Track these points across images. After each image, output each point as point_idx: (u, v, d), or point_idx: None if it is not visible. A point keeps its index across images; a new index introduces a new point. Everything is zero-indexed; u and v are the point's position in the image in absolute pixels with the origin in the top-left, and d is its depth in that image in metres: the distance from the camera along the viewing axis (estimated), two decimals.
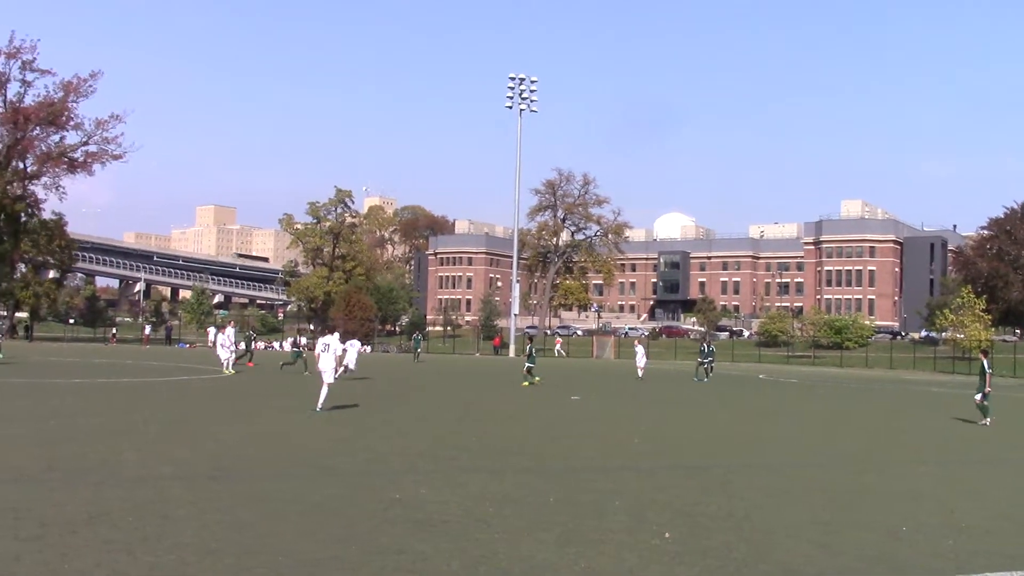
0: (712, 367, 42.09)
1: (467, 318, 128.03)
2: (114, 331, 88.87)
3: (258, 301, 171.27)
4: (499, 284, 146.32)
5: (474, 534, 8.32)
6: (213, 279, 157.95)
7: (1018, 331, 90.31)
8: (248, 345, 45.83)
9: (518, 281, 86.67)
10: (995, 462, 15.83)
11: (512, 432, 17.65)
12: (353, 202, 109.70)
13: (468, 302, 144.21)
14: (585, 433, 18.00)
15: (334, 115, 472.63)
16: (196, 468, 11.83)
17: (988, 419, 21.41)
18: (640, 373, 38.56)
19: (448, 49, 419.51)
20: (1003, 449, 17.86)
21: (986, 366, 22.12)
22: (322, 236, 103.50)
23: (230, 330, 35.84)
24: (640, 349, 40.29)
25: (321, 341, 20.45)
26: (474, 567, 7.19)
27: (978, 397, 21.83)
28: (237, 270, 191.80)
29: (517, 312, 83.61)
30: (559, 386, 32.61)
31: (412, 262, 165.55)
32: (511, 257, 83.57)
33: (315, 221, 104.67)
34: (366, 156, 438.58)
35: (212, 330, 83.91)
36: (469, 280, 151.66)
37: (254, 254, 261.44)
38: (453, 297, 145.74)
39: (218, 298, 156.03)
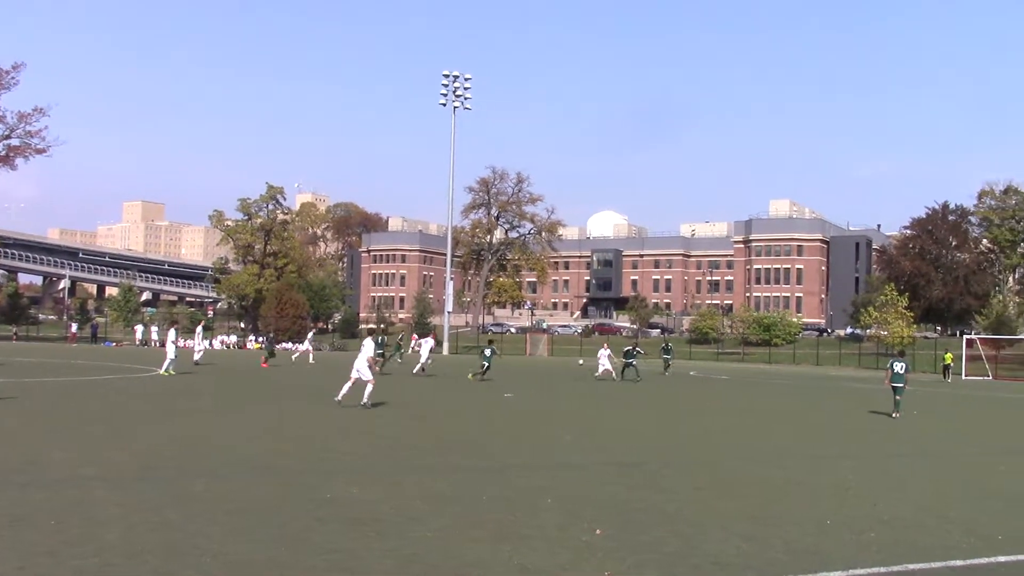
0: (670, 364, 46.51)
1: (400, 315, 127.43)
2: (74, 328, 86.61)
3: (187, 298, 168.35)
4: (433, 282, 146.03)
5: (407, 532, 8.28)
6: (141, 276, 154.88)
7: (939, 328, 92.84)
8: (271, 345, 46.76)
9: (452, 279, 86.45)
10: (916, 455, 16.25)
11: (446, 430, 17.62)
12: (285, 199, 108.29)
13: (402, 300, 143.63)
14: (518, 430, 18.05)
15: (266, 111, 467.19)
16: (124, 469, 11.60)
17: (898, 412, 22.75)
18: (602, 373, 36.99)
19: (382, 45, 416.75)
20: (924, 442, 18.35)
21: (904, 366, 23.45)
22: (253, 233, 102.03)
23: (172, 331, 35.10)
24: (604, 352, 38.10)
25: (363, 343, 21.64)
26: (407, 565, 7.17)
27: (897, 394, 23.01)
28: (165, 267, 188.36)
29: (451, 310, 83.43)
30: (492, 384, 32.64)
31: (345, 259, 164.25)
32: (445, 255, 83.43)
33: (246, 218, 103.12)
34: (299, 153, 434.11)
35: (140, 328, 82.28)
36: (403, 278, 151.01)
37: (183, 251, 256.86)
38: (386, 295, 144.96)
39: (146, 295, 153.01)
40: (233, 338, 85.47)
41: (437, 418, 19.98)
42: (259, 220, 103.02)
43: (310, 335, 54.32)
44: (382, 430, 17.01)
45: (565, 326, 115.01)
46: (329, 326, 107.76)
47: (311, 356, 49.21)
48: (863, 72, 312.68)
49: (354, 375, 20.82)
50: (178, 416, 18.67)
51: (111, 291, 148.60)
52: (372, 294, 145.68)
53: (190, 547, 7.50)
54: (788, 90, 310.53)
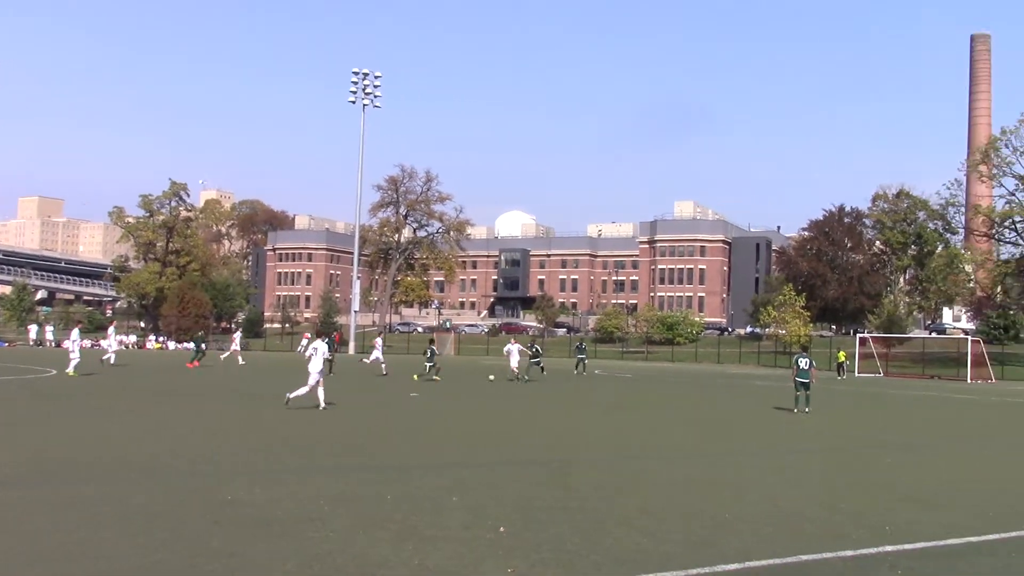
0: (585, 364, 47.14)
1: (306, 315, 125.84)
2: None
3: (85, 297, 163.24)
4: (340, 281, 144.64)
5: (308, 534, 8.20)
6: (35, 274, 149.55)
7: (834, 327, 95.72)
8: (199, 345, 45.20)
9: (359, 277, 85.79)
10: (810, 450, 16.73)
11: (349, 430, 17.48)
12: (188, 195, 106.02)
13: (308, 299, 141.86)
14: (423, 430, 18.01)
15: (170, 105, 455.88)
16: (14, 472, 11.21)
17: (799, 408, 23.51)
18: (517, 371, 36.04)
19: (290, 41, 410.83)
20: (817, 438, 18.89)
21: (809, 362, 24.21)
22: (155, 230, 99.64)
23: (76, 332, 34.10)
24: (514, 348, 37.23)
25: (311, 345, 21.22)
26: (308, 567, 7.09)
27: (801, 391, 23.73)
28: (62, 265, 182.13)
29: (358, 309, 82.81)
30: (398, 383, 32.48)
31: (250, 258, 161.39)
32: (352, 253, 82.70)
33: (147, 215, 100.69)
34: (203, 148, 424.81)
35: (34, 327, 79.51)
36: (309, 276, 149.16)
37: (81, 249, 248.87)
38: (292, 294, 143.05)
39: (41, 294, 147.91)
40: (132, 338, 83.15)
41: (340, 418, 19.78)
42: (161, 217, 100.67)
43: (237, 335, 53.37)
44: (284, 430, 16.78)
45: (472, 325, 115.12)
46: (233, 325, 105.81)
47: (240, 357, 48.65)
48: (764, 78, 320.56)
49: (313, 380, 20.45)
50: (74, 417, 18.14)
51: (3, 289, 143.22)
52: (277, 293, 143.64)
53: (81, 553, 7.29)
54: (692, 93, 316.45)
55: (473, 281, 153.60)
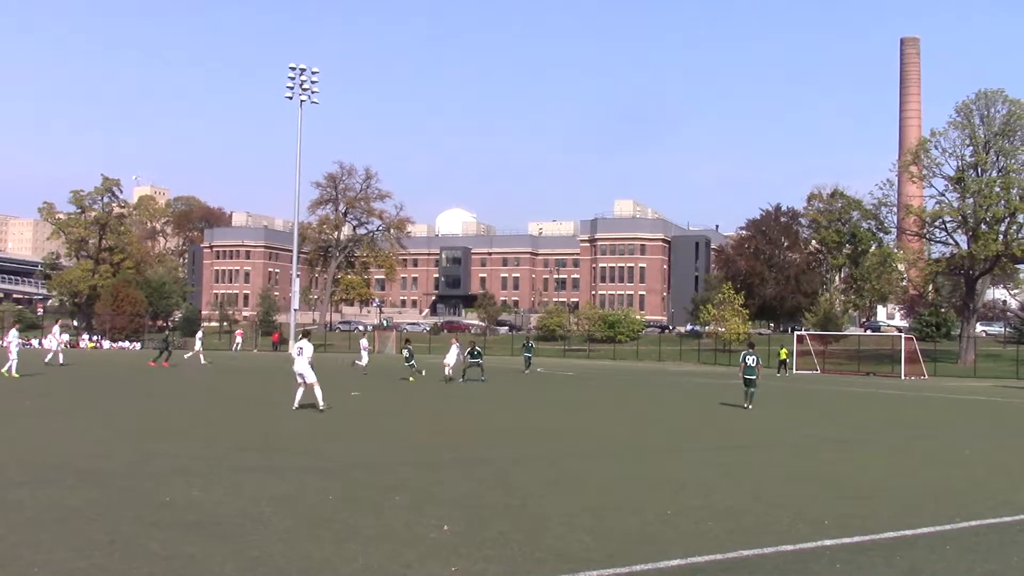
0: (530, 362, 46.40)
1: (245, 313, 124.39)
2: None
3: (14, 296, 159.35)
4: (278, 279, 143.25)
5: (249, 535, 8.10)
6: None
7: (771, 325, 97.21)
8: (166, 344, 44.46)
9: (298, 276, 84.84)
10: (751, 446, 16.94)
11: (290, 430, 17.26)
12: (122, 191, 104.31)
13: (246, 297, 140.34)
14: (365, 429, 17.90)
15: (104, 98, 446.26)
16: None
17: (749, 404, 24.16)
18: (448, 372, 34.70)
19: (226, 34, 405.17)
20: (761, 434, 19.14)
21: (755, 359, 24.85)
22: (87, 227, 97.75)
23: (13, 332, 33.39)
24: (453, 347, 35.89)
25: (295, 345, 20.89)
26: (250, 569, 7.00)
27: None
28: None
29: (297, 307, 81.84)
30: (338, 382, 32.24)
31: (186, 255, 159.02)
32: (291, 251, 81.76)
33: (79, 211, 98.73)
34: (137, 143, 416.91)
35: None
36: (247, 274, 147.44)
37: (9, 245, 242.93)
38: (230, 292, 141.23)
39: None
40: (65, 336, 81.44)
41: (280, 418, 19.57)
42: (93, 213, 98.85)
43: (199, 335, 52.49)
44: (222, 430, 16.57)
45: (414, 324, 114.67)
46: (169, 324, 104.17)
47: (202, 356, 48.03)
48: (702, 79, 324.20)
49: (300, 380, 20.20)
50: (7, 419, 17.68)
51: None
52: (215, 291, 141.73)
53: (14, 558, 7.11)
54: (632, 93, 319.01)
55: (414, 279, 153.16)
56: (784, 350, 56.94)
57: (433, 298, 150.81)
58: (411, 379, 34.26)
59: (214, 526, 8.41)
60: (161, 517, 8.73)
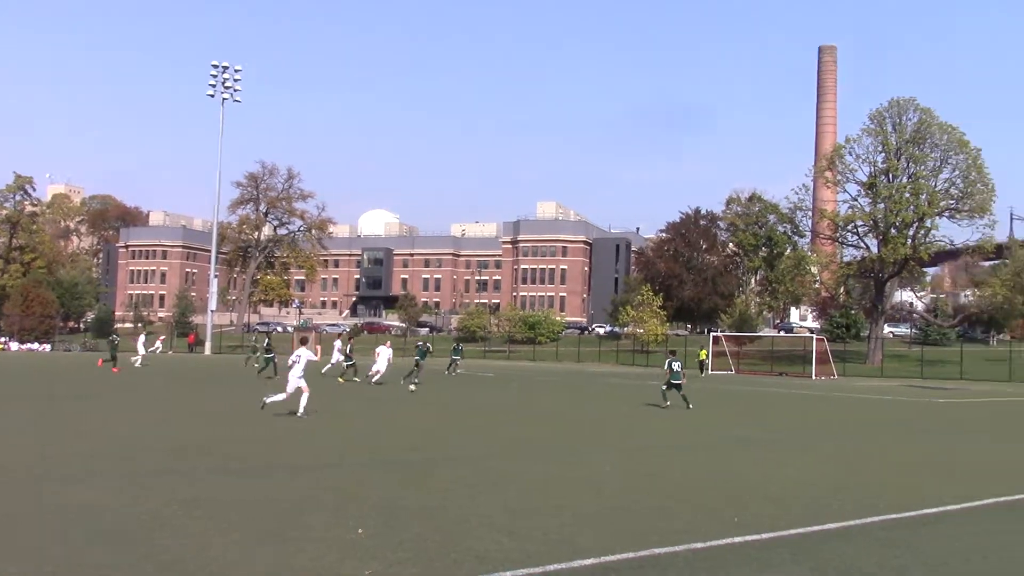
0: (457, 364, 45.94)
1: (160, 314, 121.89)
2: None
3: None
4: (196, 279, 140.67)
5: (160, 540, 7.94)
6: None
7: (689, 326, 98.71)
8: (113, 350, 42.76)
9: (216, 276, 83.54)
10: (667, 446, 17.20)
11: (206, 432, 16.99)
12: (35, 189, 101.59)
13: (162, 297, 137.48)
14: (284, 431, 17.68)
15: (15, 94, 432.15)
16: None
17: (668, 403, 25.04)
18: (376, 377, 33.74)
19: (145, 29, 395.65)
20: (674, 434, 19.42)
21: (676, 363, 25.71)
22: None
23: None
24: (385, 351, 34.46)
25: (295, 353, 20.90)
26: (163, 574, 6.88)
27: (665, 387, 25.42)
28: None
29: (215, 308, 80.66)
30: (256, 384, 31.79)
31: (100, 255, 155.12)
32: (210, 251, 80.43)
33: None
34: (50, 141, 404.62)
35: None
36: (163, 274, 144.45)
37: None
38: (146, 292, 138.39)
39: None
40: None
41: (196, 420, 19.24)
42: (4, 212, 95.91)
43: (142, 338, 51.02)
44: (126, 433, 16.22)
45: (334, 325, 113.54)
46: (81, 325, 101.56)
47: (139, 360, 46.46)
48: (623, 82, 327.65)
49: (292, 387, 19.99)
50: None
51: None
52: (130, 292, 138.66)
53: None
54: (553, 93, 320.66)
55: (335, 280, 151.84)
56: (704, 351, 57.90)
57: (354, 299, 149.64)
58: (341, 379, 34.18)
59: (122, 531, 8.24)
60: (67, 523, 8.52)
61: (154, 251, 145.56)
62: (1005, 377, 54.21)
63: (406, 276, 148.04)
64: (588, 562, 7.52)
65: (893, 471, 14.02)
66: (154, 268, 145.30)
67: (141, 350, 47.41)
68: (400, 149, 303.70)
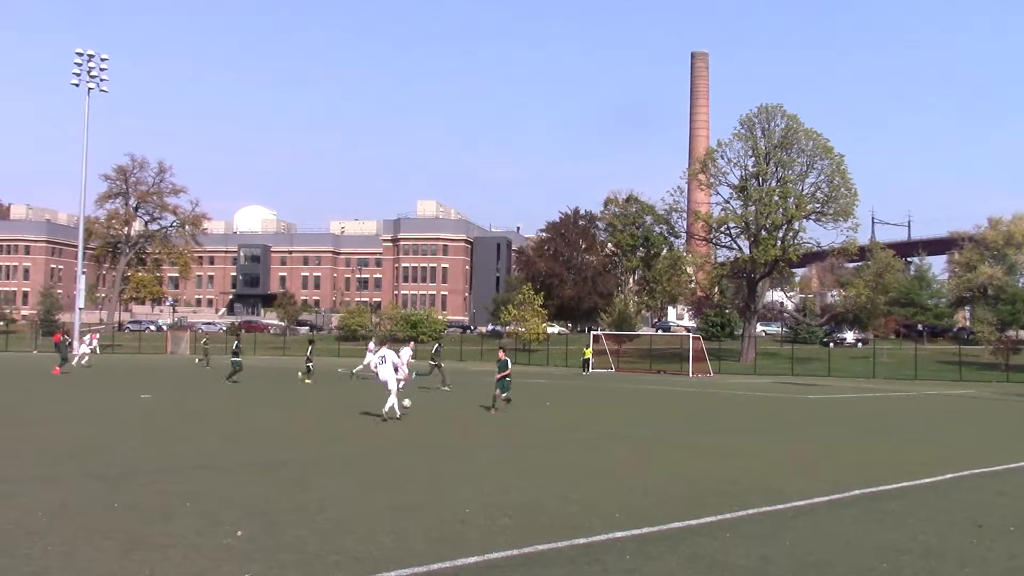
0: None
1: (24, 312, 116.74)
2: None
3: None
4: (62, 276, 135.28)
5: (23, 549, 7.60)
6: None
7: (569, 325, 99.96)
8: (64, 351, 40.45)
9: (84, 273, 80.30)
10: (549, 444, 17.36)
11: (72, 435, 16.33)
12: None
13: (25, 294, 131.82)
14: (156, 433, 17.16)
15: None
16: None
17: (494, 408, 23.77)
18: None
19: (4, 10, 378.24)
20: (557, 432, 19.64)
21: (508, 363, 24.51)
22: None
23: None
24: (406, 352, 32.37)
25: (378, 354, 21.36)
26: None
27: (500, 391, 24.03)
28: None
29: (82, 306, 77.50)
30: (128, 384, 30.79)
31: None
32: (76, 247, 77.30)
33: None
34: None
35: None
36: (26, 270, 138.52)
37: None
38: (7, 289, 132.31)
39: None
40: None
41: (60, 423, 18.49)
42: None
43: (88, 339, 48.63)
44: None
45: (209, 323, 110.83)
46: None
47: (84, 359, 44.77)
48: (502, 81, 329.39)
49: (392, 386, 20.21)
50: None
51: None
52: None
53: None
54: (432, 91, 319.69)
55: (210, 277, 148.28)
56: (588, 350, 58.67)
57: (231, 297, 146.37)
58: (307, 381, 34.65)
59: None
60: None
61: (16, 246, 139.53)
62: (869, 374, 56.63)
63: (284, 274, 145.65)
64: (472, 560, 7.53)
65: (765, 465, 14.47)
66: (16, 264, 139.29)
67: (84, 348, 46.18)
68: (278, 145, 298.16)
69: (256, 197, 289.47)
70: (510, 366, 24.54)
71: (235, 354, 35.33)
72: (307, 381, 34.74)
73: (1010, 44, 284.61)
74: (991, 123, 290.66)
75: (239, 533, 8.31)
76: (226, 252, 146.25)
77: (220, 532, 8.38)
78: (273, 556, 7.57)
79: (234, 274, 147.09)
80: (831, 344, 78.90)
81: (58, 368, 38.35)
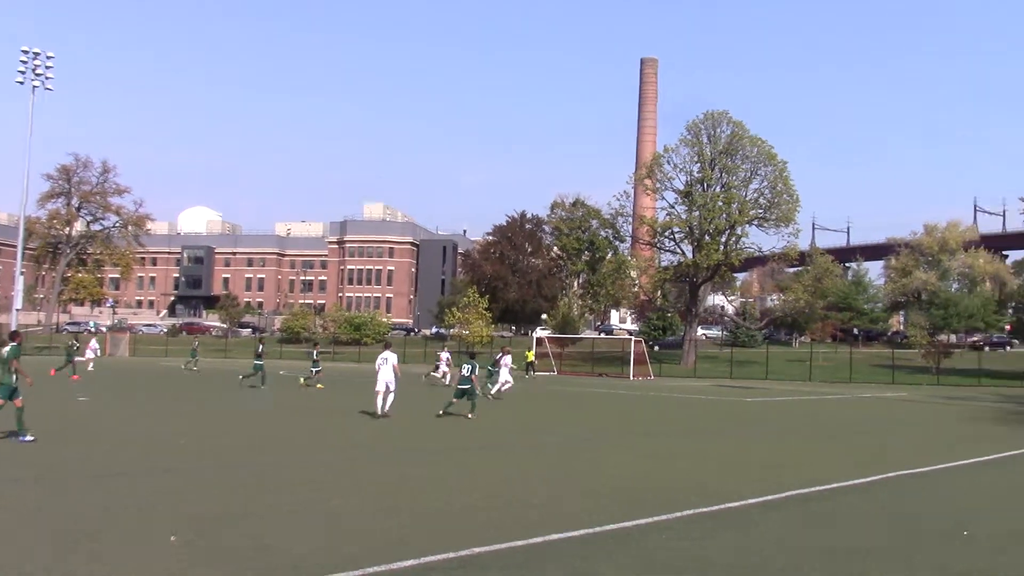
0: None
1: None
2: None
3: None
4: (0, 276, 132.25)
5: None
6: None
7: (514, 327, 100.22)
8: (70, 356, 39.66)
9: (22, 273, 78.58)
10: (490, 448, 17.44)
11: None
12: None
13: None
14: (87, 437, 16.92)
15: None
16: None
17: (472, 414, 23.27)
18: (506, 387, 32.93)
19: None
20: (498, 435, 19.71)
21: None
22: None
23: None
24: (505, 359, 33.69)
25: (379, 356, 22.59)
26: None
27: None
28: None
29: (20, 307, 75.86)
30: (66, 386, 30.28)
31: None
32: (15, 247, 75.62)
33: None
34: None
35: None
36: None
37: None
38: None
39: None
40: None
41: None
42: None
43: (94, 343, 48.17)
44: None
45: (151, 325, 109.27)
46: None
47: (90, 365, 44.15)
48: (451, 82, 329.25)
49: (384, 388, 21.82)
50: None
51: None
52: None
53: None
54: (385, 95, 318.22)
55: (152, 279, 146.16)
56: (531, 352, 58.93)
57: (172, 298, 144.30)
58: (320, 386, 34.79)
59: None
60: None
61: None
62: (805, 377, 57.59)
63: (228, 275, 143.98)
64: (408, 563, 7.57)
65: (702, 467, 14.71)
66: None
67: (89, 353, 45.79)
68: (225, 146, 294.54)
69: (201, 198, 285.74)
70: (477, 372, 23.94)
71: (258, 357, 35.66)
72: (319, 386, 34.75)
73: (951, 54, 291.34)
74: (930, 131, 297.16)
75: (172, 539, 8.29)
76: (169, 253, 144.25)
77: (155, 536, 8.32)
78: (208, 560, 7.56)
79: (177, 275, 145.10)
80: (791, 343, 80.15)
81: (55, 370, 37.95)
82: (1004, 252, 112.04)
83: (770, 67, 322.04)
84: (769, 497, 11.51)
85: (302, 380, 35.83)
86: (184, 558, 7.62)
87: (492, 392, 31.59)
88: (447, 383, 38.61)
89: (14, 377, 15.49)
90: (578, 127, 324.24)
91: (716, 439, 20.39)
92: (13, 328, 72.29)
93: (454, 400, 23.16)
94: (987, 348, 75.35)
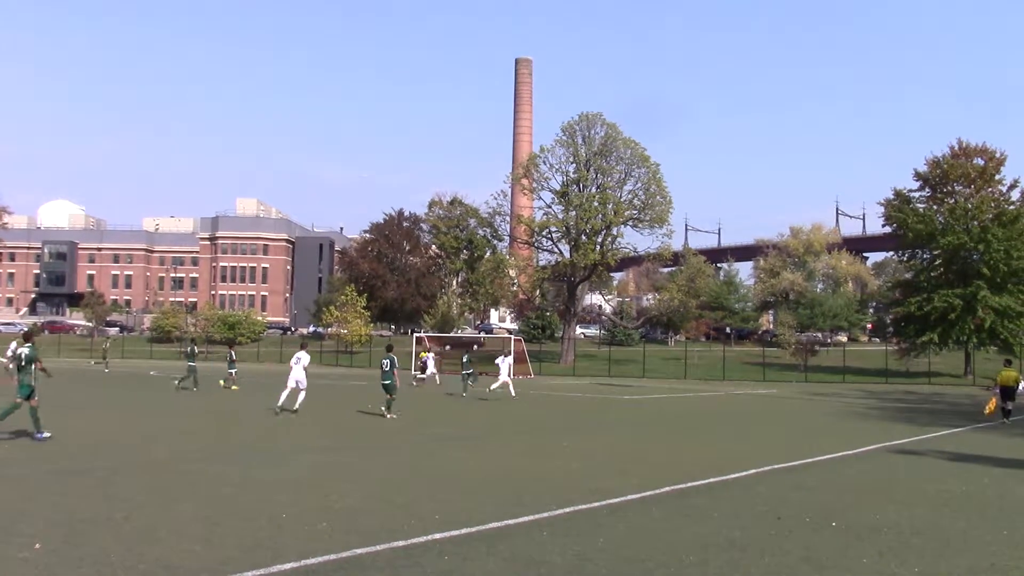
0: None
1: None
2: None
3: None
4: None
5: None
6: None
7: (393, 326, 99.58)
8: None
9: None
10: (372, 447, 17.23)
11: None
12: None
13: None
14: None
15: None
16: None
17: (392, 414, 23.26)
18: (507, 389, 34.01)
19: None
20: (380, 435, 19.49)
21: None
22: None
23: None
24: (506, 361, 35.59)
25: (295, 355, 24.17)
26: None
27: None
28: None
29: None
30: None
31: None
32: None
33: None
34: None
35: None
36: None
37: None
38: None
39: None
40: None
41: None
42: None
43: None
44: None
45: (8, 324, 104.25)
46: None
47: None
48: (328, 81, 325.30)
49: (293, 384, 23.40)
50: None
51: None
52: None
53: None
54: (260, 90, 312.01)
55: (11, 275, 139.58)
56: (424, 352, 58.59)
57: (33, 296, 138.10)
58: (234, 387, 34.01)
59: None
60: None
61: None
62: (681, 375, 58.98)
63: (93, 272, 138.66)
64: (288, 566, 7.40)
65: (580, 464, 14.83)
66: None
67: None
68: (88, 138, 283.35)
69: (63, 191, 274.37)
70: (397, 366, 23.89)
71: (191, 358, 34.67)
72: (233, 387, 33.97)
73: (820, 63, 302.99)
74: (796, 133, 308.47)
75: (37, 546, 7.86)
76: (28, 248, 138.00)
77: (17, 544, 7.91)
78: (75, 568, 7.20)
79: (37, 272, 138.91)
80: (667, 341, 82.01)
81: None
82: (865, 254, 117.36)
83: (643, 68, 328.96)
84: (647, 493, 11.68)
85: (222, 382, 35.13)
86: (49, 566, 7.25)
87: (489, 391, 34.34)
88: (439, 383, 39.46)
89: (33, 377, 16.13)
90: (456, 126, 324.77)
91: (594, 436, 20.62)
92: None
93: (388, 396, 23.45)
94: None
